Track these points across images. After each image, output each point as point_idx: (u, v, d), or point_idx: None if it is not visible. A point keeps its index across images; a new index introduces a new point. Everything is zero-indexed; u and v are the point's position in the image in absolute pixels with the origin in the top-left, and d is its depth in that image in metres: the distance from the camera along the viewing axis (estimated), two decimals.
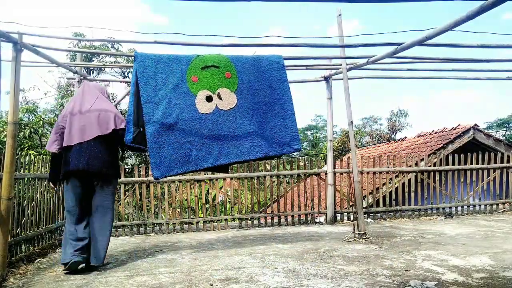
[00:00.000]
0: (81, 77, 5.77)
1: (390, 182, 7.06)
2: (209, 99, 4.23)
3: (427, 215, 6.86)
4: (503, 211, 7.22)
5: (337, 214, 6.48)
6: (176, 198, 6.15)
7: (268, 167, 6.72)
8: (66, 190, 3.78)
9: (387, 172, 7.02)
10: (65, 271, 3.59)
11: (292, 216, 6.54)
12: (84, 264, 3.58)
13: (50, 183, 4.02)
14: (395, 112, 32.61)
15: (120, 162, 4.14)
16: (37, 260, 4.16)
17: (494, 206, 7.24)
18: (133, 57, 4.51)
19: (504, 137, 30.00)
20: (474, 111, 65.03)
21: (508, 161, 7.34)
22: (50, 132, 11.10)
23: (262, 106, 4.42)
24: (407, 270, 3.35)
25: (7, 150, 3.48)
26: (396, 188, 6.99)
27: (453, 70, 5.73)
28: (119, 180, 5.86)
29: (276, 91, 4.49)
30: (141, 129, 4.10)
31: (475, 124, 8.96)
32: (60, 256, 4.42)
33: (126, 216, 6.54)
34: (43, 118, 9.67)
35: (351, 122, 5.00)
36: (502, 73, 6.16)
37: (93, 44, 11.25)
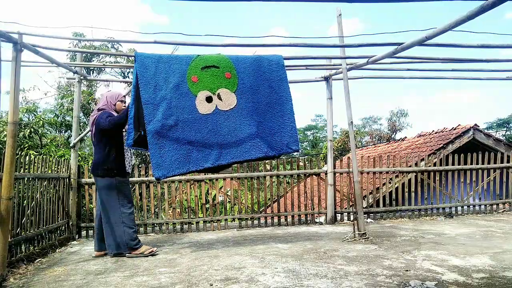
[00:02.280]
0: (81, 77, 5.78)
1: (390, 182, 7.06)
2: (209, 99, 4.23)
3: (427, 215, 6.86)
4: (503, 211, 7.21)
5: (337, 214, 6.48)
6: (176, 198, 6.15)
7: (268, 167, 6.71)
8: None
9: (387, 172, 7.02)
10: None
11: (292, 216, 6.54)
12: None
13: None
14: (395, 112, 32.66)
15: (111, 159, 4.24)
16: (37, 260, 4.16)
17: (494, 206, 7.24)
18: (133, 57, 4.52)
19: (504, 137, 30.00)
20: (474, 111, 65.15)
21: (508, 161, 7.33)
22: (50, 132, 11.12)
23: (262, 106, 4.42)
24: (407, 270, 3.35)
25: (7, 150, 3.49)
26: (396, 188, 6.99)
27: (453, 70, 5.73)
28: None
29: (276, 92, 4.49)
30: (142, 132, 4.11)
31: (475, 124, 8.96)
32: (60, 256, 4.43)
33: None
34: (43, 118, 9.68)
35: (351, 122, 5.00)
36: (502, 73, 6.17)
37: (93, 44, 11.26)
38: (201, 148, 4.14)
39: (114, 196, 4.18)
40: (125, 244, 4.19)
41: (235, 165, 6.17)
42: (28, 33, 3.64)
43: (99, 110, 4.30)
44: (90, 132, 4.37)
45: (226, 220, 6.26)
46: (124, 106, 4.42)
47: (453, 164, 7.07)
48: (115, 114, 4.30)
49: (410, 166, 6.99)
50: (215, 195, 6.63)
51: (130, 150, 4.45)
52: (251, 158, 4.33)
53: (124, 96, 4.56)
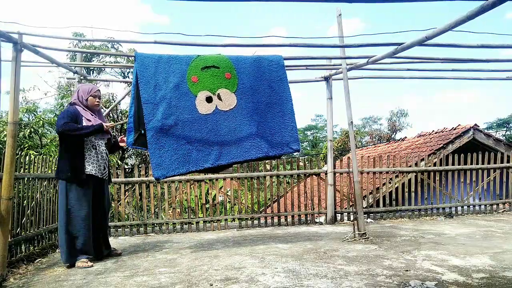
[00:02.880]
0: (81, 77, 5.78)
1: (390, 182, 7.05)
2: (209, 99, 4.23)
3: (427, 215, 6.86)
4: (503, 211, 7.21)
5: (337, 214, 6.48)
6: (176, 198, 6.15)
7: (268, 167, 6.71)
8: None
9: (387, 172, 7.02)
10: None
11: (292, 216, 6.54)
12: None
13: None
14: (395, 112, 32.68)
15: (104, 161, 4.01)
16: (37, 260, 4.16)
17: (494, 206, 7.23)
18: (133, 57, 4.52)
19: (504, 137, 30.01)
20: (474, 111, 65.21)
21: (508, 161, 7.33)
22: (50, 132, 11.13)
23: (262, 106, 4.42)
24: (407, 270, 3.35)
25: (7, 150, 3.48)
26: (396, 188, 6.99)
27: (453, 70, 5.73)
28: (119, 180, 5.88)
29: (276, 92, 4.49)
30: (142, 131, 4.11)
31: (475, 124, 8.96)
32: (60, 256, 4.42)
33: (126, 216, 6.54)
34: (43, 118, 9.68)
35: (351, 122, 5.00)
36: (502, 73, 6.17)
37: (93, 44, 11.26)
38: (201, 148, 4.14)
39: (63, 201, 3.82)
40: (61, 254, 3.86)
41: (235, 165, 6.18)
42: (28, 33, 3.64)
43: (70, 104, 3.98)
44: None
45: (226, 220, 6.26)
46: (97, 101, 3.99)
47: (453, 164, 7.07)
48: (84, 110, 3.91)
49: (410, 166, 6.99)
50: (215, 195, 6.63)
51: (102, 150, 4.02)
52: (251, 158, 4.33)
53: (98, 90, 4.05)
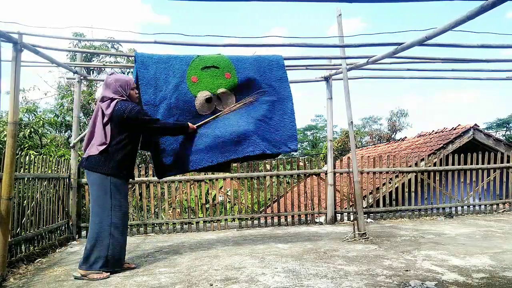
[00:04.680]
0: (81, 77, 5.78)
1: (390, 182, 7.05)
2: (208, 100, 4.23)
3: (427, 215, 6.86)
4: (503, 211, 7.21)
5: (337, 214, 6.48)
6: (176, 198, 6.15)
7: (268, 167, 6.71)
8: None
9: (387, 172, 7.02)
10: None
11: (292, 216, 6.54)
12: None
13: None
14: (395, 112, 32.65)
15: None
16: (37, 260, 4.16)
17: (494, 206, 7.23)
18: (133, 57, 4.52)
19: (504, 137, 30.00)
20: (474, 111, 65.24)
21: (508, 161, 7.33)
22: (50, 132, 11.12)
23: (261, 106, 4.41)
24: (407, 270, 3.35)
25: (7, 150, 3.48)
26: (396, 188, 6.99)
27: (453, 70, 5.74)
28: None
29: (276, 91, 4.49)
30: None
31: (475, 124, 8.96)
32: (60, 256, 4.43)
33: None
34: (43, 118, 9.68)
35: (351, 122, 5.00)
36: (502, 73, 6.17)
37: (93, 44, 11.26)
38: (200, 147, 4.13)
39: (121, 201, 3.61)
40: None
41: (235, 164, 6.17)
42: (28, 33, 3.64)
43: (112, 99, 3.51)
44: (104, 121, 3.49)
45: (226, 220, 6.26)
46: (136, 94, 3.78)
47: (453, 164, 7.07)
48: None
49: (410, 166, 6.99)
50: (215, 195, 6.63)
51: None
52: (249, 155, 4.31)
53: (135, 81, 3.87)
